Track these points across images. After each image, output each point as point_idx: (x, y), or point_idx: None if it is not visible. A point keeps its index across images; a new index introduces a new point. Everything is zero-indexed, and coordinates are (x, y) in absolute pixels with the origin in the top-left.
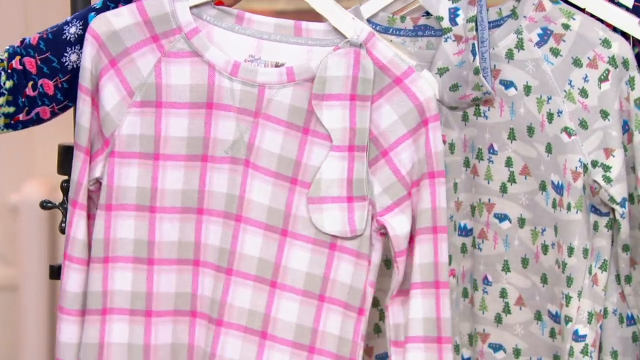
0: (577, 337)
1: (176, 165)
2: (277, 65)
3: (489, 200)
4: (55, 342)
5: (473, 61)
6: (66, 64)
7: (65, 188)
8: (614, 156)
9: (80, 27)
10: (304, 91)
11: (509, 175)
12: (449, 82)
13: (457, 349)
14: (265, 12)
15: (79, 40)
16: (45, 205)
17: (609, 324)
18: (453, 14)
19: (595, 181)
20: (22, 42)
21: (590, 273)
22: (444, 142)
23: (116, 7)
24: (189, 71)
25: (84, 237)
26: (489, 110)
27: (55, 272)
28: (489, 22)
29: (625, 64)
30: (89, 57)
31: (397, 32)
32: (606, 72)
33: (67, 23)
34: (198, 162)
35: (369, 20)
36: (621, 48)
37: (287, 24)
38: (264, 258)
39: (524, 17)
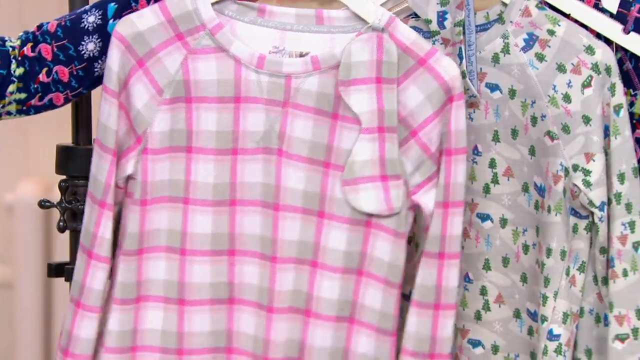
0: (552, 336)
1: (207, 159)
2: (301, 55)
3: (472, 200)
4: (50, 339)
5: (459, 65)
6: (83, 52)
7: (63, 188)
8: (594, 161)
9: (100, 17)
10: (330, 78)
11: (492, 177)
12: None
13: None
14: None
15: (97, 30)
16: (43, 204)
17: (585, 323)
18: (441, 17)
19: (575, 185)
20: (39, 27)
21: (567, 274)
22: None
23: None
24: (215, 66)
25: (111, 236)
26: (474, 112)
27: (52, 270)
28: (476, 26)
29: (608, 70)
30: (115, 60)
31: None
32: (589, 78)
33: (85, 12)
34: (229, 155)
35: None
36: (604, 55)
37: (308, 13)
38: (304, 240)
39: (511, 22)
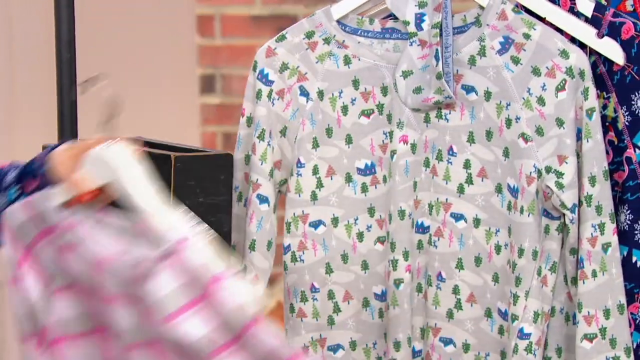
0: (522, 335)
1: None
2: None
3: (447, 200)
4: None
5: (436, 66)
6: None
7: None
8: (567, 163)
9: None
10: None
11: (467, 177)
12: (413, 85)
13: (409, 341)
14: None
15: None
16: None
17: (556, 322)
18: (419, 19)
19: (548, 186)
20: None
21: (539, 274)
22: (406, 142)
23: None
24: None
25: None
26: (450, 113)
27: None
28: (454, 29)
29: (582, 74)
30: None
31: (366, 33)
32: (563, 81)
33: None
34: None
35: (338, 22)
36: (578, 59)
37: None
38: None
39: (487, 25)
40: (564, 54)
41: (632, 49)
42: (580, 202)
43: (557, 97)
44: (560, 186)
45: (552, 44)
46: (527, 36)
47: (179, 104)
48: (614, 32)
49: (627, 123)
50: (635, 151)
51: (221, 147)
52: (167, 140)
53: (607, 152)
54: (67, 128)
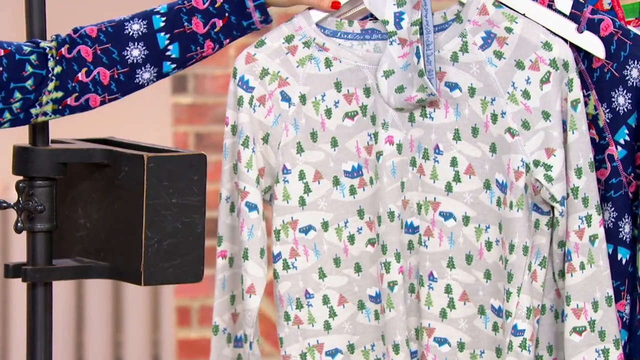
0: (516, 331)
1: None
2: None
3: (435, 198)
4: (7, 339)
5: (417, 64)
6: (127, 57)
7: (20, 189)
8: (555, 156)
9: (145, 26)
10: None
11: (454, 175)
12: (395, 84)
13: (407, 343)
14: None
15: (143, 38)
16: (0, 205)
17: (546, 320)
18: (398, 17)
19: (537, 180)
20: (75, 31)
21: (529, 269)
22: (392, 143)
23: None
24: None
25: None
26: (434, 111)
27: (9, 271)
28: (435, 26)
29: (566, 66)
30: None
31: (345, 35)
32: (547, 74)
33: (127, 20)
34: None
35: (318, 25)
36: (562, 50)
37: None
38: None
39: (468, 20)
40: (547, 45)
41: (612, 46)
42: (567, 194)
43: (542, 89)
44: (549, 179)
45: (534, 36)
46: (509, 30)
47: (151, 103)
48: (592, 29)
49: (607, 120)
50: (617, 148)
51: (193, 147)
52: (138, 140)
53: None
54: (40, 128)
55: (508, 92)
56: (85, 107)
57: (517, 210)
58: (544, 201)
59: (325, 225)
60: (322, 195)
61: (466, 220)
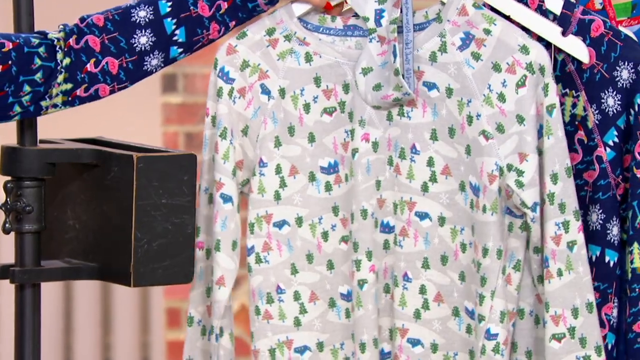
0: (489, 335)
1: None
2: None
3: (411, 198)
4: None
5: (394, 62)
6: (135, 45)
7: (8, 189)
8: (527, 161)
9: (151, 12)
10: None
11: (431, 175)
12: (373, 82)
13: (375, 343)
14: None
15: (150, 25)
16: None
17: (525, 325)
18: (378, 15)
19: (508, 185)
20: (81, 21)
21: (503, 273)
22: (368, 140)
23: None
24: None
25: None
26: (412, 110)
27: None
28: (415, 25)
29: (542, 70)
30: None
31: (327, 31)
32: (523, 77)
33: (133, 7)
34: None
35: (300, 19)
36: (539, 55)
37: None
38: None
39: (448, 21)
40: (524, 49)
41: (602, 47)
42: (542, 200)
43: (517, 93)
44: (520, 185)
45: (512, 39)
46: (487, 32)
47: (140, 103)
48: (583, 29)
49: (596, 121)
50: (605, 150)
51: (183, 147)
52: (128, 140)
53: (577, 151)
54: (28, 128)
55: (484, 95)
56: (95, 97)
57: (491, 214)
58: (516, 205)
59: (299, 221)
60: (297, 191)
61: (442, 220)
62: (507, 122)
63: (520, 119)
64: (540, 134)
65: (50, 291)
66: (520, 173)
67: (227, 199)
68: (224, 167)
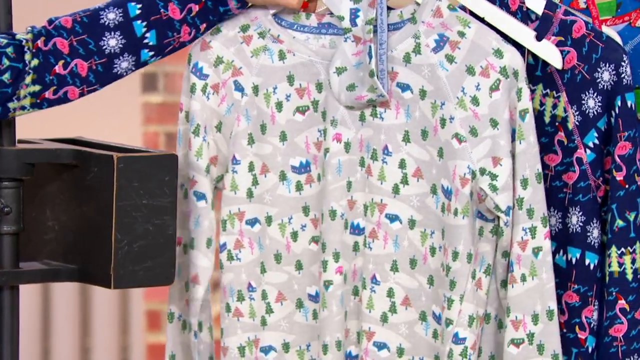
0: (457, 339)
1: None
2: None
3: (382, 200)
4: None
5: (369, 63)
6: (104, 47)
7: None
8: (501, 165)
9: (120, 15)
10: None
11: (402, 177)
12: (347, 82)
13: (338, 345)
14: None
15: (119, 27)
16: None
17: (489, 329)
18: (354, 14)
19: (482, 189)
20: (49, 22)
21: (473, 277)
22: (340, 141)
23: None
24: None
25: None
26: (385, 111)
27: None
28: (390, 25)
29: (516, 74)
30: None
31: (301, 28)
32: (497, 81)
33: (102, 9)
34: None
35: (275, 15)
36: (512, 59)
37: None
38: None
39: (422, 22)
40: (498, 53)
41: (583, 48)
42: (512, 204)
43: (491, 97)
44: (494, 188)
45: (486, 42)
46: (461, 34)
47: (120, 102)
48: (565, 30)
49: (577, 123)
50: (586, 151)
51: (164, 147)
52: (108, 141)
53: (557, 153)
54: (6, 127)
55: (457, 97)
56: (64, 99)
57: (463, 218)
58: (488, 209)
59: (268, 220)
60: (267, 189)
61: (412, 223)
62: (480, 126)
63: (494, 123)
64: (513, 138)
65: (28, 293)
66: (494, 177)
67: (200, 196)
68: (197, 165)
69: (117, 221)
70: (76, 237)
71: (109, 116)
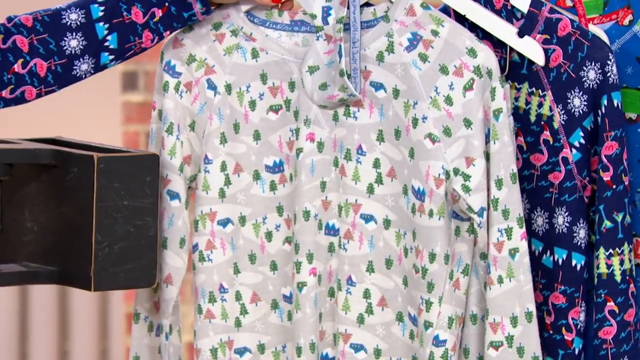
0: (438, 342)
1: None
2: None
3: (356, 200)
4: None
5: (339, 63)
6: (65, 48)
7: None
8: (474, 165)
9: (83, 16)
10: None
11: (376, 177)
12: (319, 81)
13: (312, 347)
14: None
15: (81, 28)
16: None
17: (477, 330)
18: (326, 12)
19: (454, 189)
20: (8, 20)
21: (451, 278)
22: (313, 140)
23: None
24: None
25: None
26: (358, 111)
27: None
28: (363, 23)
29: (489, 74)
30: None
31: (274, 25)
32: (471, 81)
33: (64, 9)
34: None
35: (247, 13)
36: (486, 58)
37: None
38: None
39: (395, 20)
40: (472, 52)
41: (569, 46)
42: (487, 205)
43: (464, 96)
44: (466, 189)
45: (460, 41)
46: (435, 33)
47: (100, 102)
48: (550, 28)
49: (562, 122)
50: (571, 151)
51: (144, 147)
52: (88, 140)
53: (542, 152)
54: None
55: (431, 97)
56: (21, 99)
57: (439, 219)
58: (462, 210)
59: (242, 220)
60: (241, 189)
61: (387, 223)
62: (454, 126)
63: (468, 123)
64: (487, 138)
65: (5, 295)
66: (466, 177)
67: (173, 195)
68: (170, 163)
69: (97, 222)
70: (56, 238)
71: (88, 115)
